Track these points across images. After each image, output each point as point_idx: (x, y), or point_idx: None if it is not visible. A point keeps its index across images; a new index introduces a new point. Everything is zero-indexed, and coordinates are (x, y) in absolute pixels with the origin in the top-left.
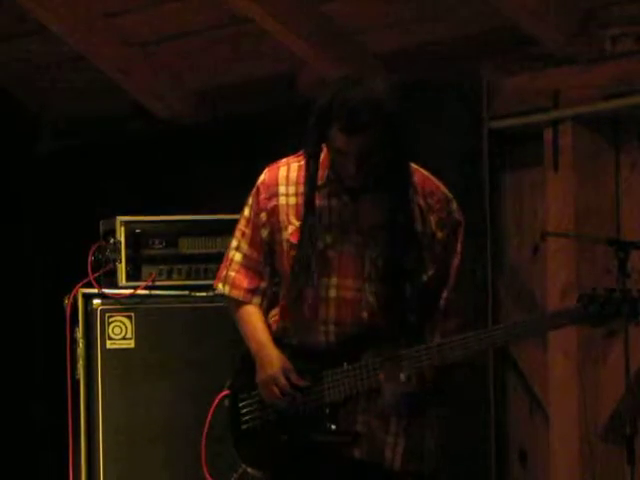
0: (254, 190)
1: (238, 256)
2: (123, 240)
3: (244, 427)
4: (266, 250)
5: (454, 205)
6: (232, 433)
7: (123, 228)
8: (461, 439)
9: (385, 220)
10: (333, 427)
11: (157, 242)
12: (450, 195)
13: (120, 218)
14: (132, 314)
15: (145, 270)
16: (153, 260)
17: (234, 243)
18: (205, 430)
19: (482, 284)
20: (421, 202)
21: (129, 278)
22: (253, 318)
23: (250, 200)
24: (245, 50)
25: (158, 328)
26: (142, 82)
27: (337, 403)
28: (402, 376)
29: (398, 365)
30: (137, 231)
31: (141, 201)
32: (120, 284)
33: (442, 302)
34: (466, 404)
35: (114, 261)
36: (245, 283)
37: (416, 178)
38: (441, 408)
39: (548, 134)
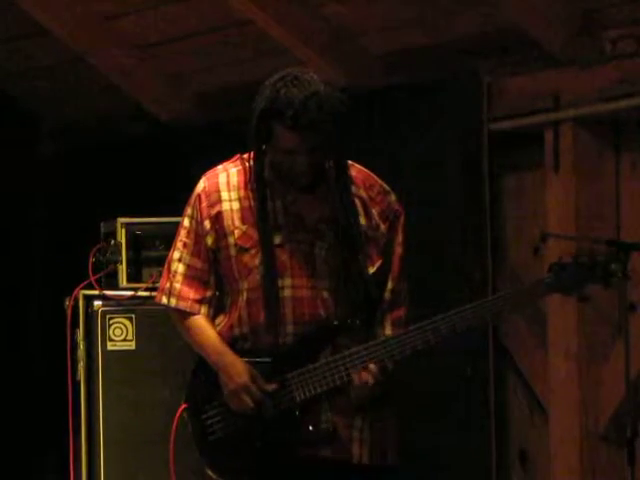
0: (193, 199)
1: (182, 267)
2: (124, 242)
3: (211, 439)
4: (211, 258)
5: (393, 197)
6: (199, 447)
7: (124, 230)
8: (461, 439)
9: (330, 216)
10: (311, 428)
11: (158, 243)
12: (388, 187)
13: (121, 220)
14: (133, 316)
15: (146, 272)
16: (154, 262)
17: (175, 255)
18: (171, 446)
19: (482, 285)
20: (363, 195)
21: (130, 280)
22: (206, 328)
23: (189, 210)
24: (246, 52)
25: (159, 330)
26: (143, 84)
27: (306, 404)
28: (372, 367)
29: (364, 358)
30: (138, 233)
31: (142, 203)
32: (121, 286)
33: (388, 293)
34: (466, 404)
35: (115, 263)
36: (191, 294)
37: (354, 172)
38: (394, 403)
39: (549, 135)
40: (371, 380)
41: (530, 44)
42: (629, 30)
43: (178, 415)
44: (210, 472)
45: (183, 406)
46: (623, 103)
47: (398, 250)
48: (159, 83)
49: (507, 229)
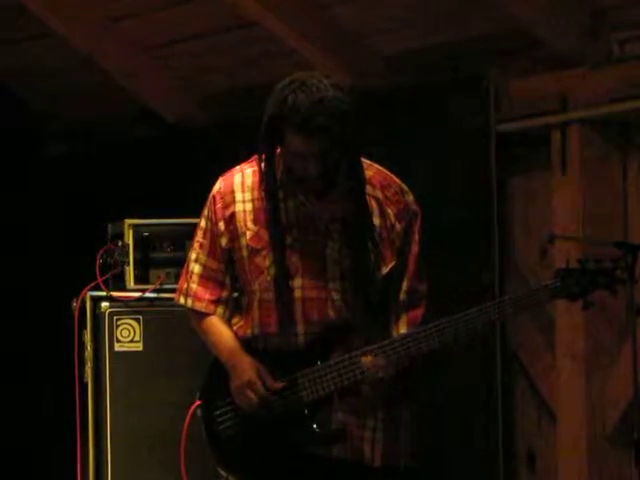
0: (209, 200)
1: (197, 268)
2: (131, 243)
3: (222, 435)
4: (226, 259)
5: (410, 197)
6: (210, 443)
7: (131, 231)
8: (469, 442)
9: (342, 216)
10: (315, 426)
11: (165, 245)
12: (406, 187)
13: (128, 221)
14: (140, 317)
15: (153, 273)
16: (161, 263)
17: (193, 255)
18: (183, 443)
19: (489, 287)
20: (379, 195)
21: (137, 281)
22: (219, 327)
23: (205, 211)
24: (252, 53)
25: (166, 331)
26: (149, 85)
27: (314, 403)
28: (381, 359)
29: (373, 357)
30: (145, 234)
31: (149, 204)
32: (128, 287)
33: (403, 293)
34: (474, 407)
35: (122, 264)
36: (207, 294)
37: (372, 172)
38: (413, 403)
39: (556, 137)
40: (381, 373)
41: (538, 45)
42: (637, 32)
43: (191, 412)
44: (220, 469)
45: (197, 403)
46: (631, 105)
47: (414, 249)
48: (166, 84)
49: (514, 231)
